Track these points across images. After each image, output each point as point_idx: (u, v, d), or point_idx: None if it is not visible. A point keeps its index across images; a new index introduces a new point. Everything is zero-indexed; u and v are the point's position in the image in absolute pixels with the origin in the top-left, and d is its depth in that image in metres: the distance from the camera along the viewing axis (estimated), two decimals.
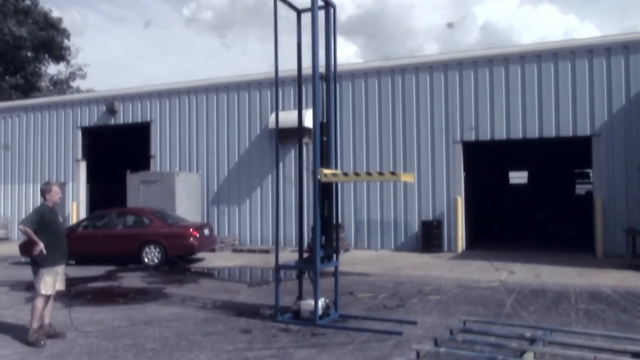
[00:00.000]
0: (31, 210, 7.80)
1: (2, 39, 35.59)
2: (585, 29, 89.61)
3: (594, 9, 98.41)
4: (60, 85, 40.92)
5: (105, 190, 22.85)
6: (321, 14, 8.03)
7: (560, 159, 24.95)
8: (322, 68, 8.07)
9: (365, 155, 17.48)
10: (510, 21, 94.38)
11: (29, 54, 38.20)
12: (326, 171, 7.78)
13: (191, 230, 14.51)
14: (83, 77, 42.40)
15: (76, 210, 21.70)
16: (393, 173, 7.94)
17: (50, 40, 37.86)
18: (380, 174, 7.99)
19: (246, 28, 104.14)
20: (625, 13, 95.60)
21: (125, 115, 21.39)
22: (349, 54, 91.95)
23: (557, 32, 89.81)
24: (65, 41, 39.47)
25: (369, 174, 8.15)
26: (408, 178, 8.28)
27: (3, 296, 10.24)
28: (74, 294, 9.48)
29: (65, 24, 39.67)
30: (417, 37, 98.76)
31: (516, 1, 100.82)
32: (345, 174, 8.17)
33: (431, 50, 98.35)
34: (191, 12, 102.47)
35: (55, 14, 39.26)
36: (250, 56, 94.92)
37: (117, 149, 23.90)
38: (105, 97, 21.98)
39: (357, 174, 8.33)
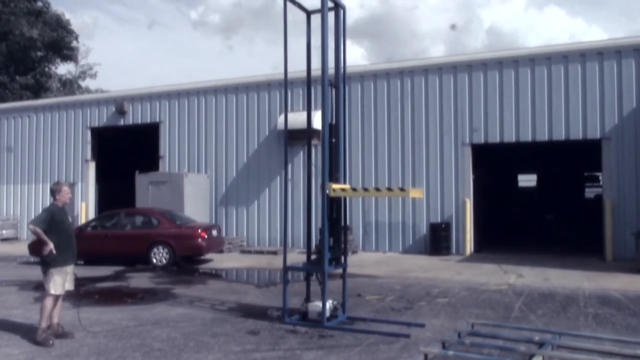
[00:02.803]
0: (41, 210, 7.85)
1: (13, 40, 35.90)
2: (592, 33, 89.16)
3: (600, 13, 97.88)
4: (70, 85, 41.23)
5: (114, 190, 22.94)
6: (330, 16, 8.03)
7: (570, 162, 24.82)
8: (331, 70, 8.07)
9: (373, 157, 17.47)
10: (517, 25, 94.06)
11: (39, 53, 38.51)
12: (335, 186, 7.77)
13: (199, 231, 14.55)
14: (93, 76, 42.76)
15: (85, 210, 21.82)
16: (402, 189, 7.90)
17: (60, 40, 38.16)
18: (389, 189, 7.98)
19: (253, 30, 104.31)
20: (632, 17, 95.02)
21: (135, 116, 21.49)
22: (356, 56, 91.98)
23: (563, 35, 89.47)
24: (74, 42, 39.83)
25: (377, 189, 8.14)
26: (417, 194, 8.14)
27: (12, 296, 10.30)
28: (83, 294, 9.53)
29: (76, 26, 40.15)
30: (423, 40, 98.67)
31: (522, 5, 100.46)
32: (354, 189, 8.16)
33: (436, 52, 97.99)
34: (199, 15, 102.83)
35: (65, 16, 39.59)
36: (257, 58, 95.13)
37: (126, 149, 24.01)
38: (115, 97, 22.12)
39: (365, 189, 8.31)
